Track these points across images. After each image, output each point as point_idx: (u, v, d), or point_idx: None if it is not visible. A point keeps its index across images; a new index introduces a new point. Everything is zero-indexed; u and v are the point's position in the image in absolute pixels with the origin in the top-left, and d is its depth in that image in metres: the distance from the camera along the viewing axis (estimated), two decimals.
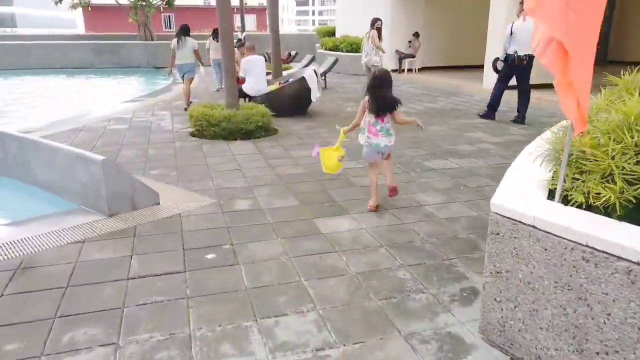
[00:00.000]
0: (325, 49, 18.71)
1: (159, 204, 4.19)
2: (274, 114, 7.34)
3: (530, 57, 7.28)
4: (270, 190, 4.62)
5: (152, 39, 22.13)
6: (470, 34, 16.72)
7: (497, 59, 7.91)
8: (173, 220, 3.87)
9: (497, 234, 2.21)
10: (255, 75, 8.57)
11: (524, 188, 2.31)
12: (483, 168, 5.37)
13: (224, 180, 4.94)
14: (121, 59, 19.96)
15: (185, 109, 8.72)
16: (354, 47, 16.67)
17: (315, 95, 8.52)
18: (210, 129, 6.71)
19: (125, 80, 17.98)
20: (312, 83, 8.42)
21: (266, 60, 15.24)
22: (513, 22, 7.51)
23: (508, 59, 7.52)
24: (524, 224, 2.07)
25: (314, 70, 8.59)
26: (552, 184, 2.28)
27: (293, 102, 8.56)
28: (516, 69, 7.50)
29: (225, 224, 3.81)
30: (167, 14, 41.06)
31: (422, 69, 16.09)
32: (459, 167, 5.39)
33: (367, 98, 3.94)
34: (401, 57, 15.45)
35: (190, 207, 4.15)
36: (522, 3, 7.30)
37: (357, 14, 17.91)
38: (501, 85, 7.79)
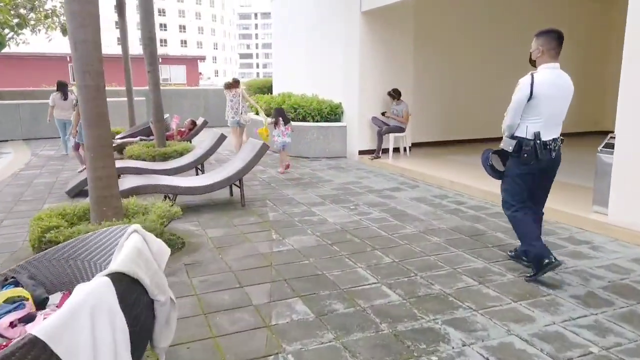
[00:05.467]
0: (256, 113, 12.20)
1: None
2: None
3: (560, 143, 3.64)
4: None
5: None
6: (492, 92, 10.81)
7: (492, 153, 3.82)
8: None
9: None
10: None
11: None
12: None
13: None
14: None
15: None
16: (301, 112, 10.30)
17: None
18: None
19: None
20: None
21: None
22: (532, 74, 3.53)
23: (522, 148, 3.55)
24: None
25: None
26: None
27: None
28: (538, 167, 3.60)
29: None
30: None
31: (412, 147, 9.96)
32: None
33: (279, 118, 7.95)
34: (382, 131, 9.11)
35: None
36: (542, 37, 3.56)
37: (299, 64, 11.75)
38: (523, 206, 3.69)
